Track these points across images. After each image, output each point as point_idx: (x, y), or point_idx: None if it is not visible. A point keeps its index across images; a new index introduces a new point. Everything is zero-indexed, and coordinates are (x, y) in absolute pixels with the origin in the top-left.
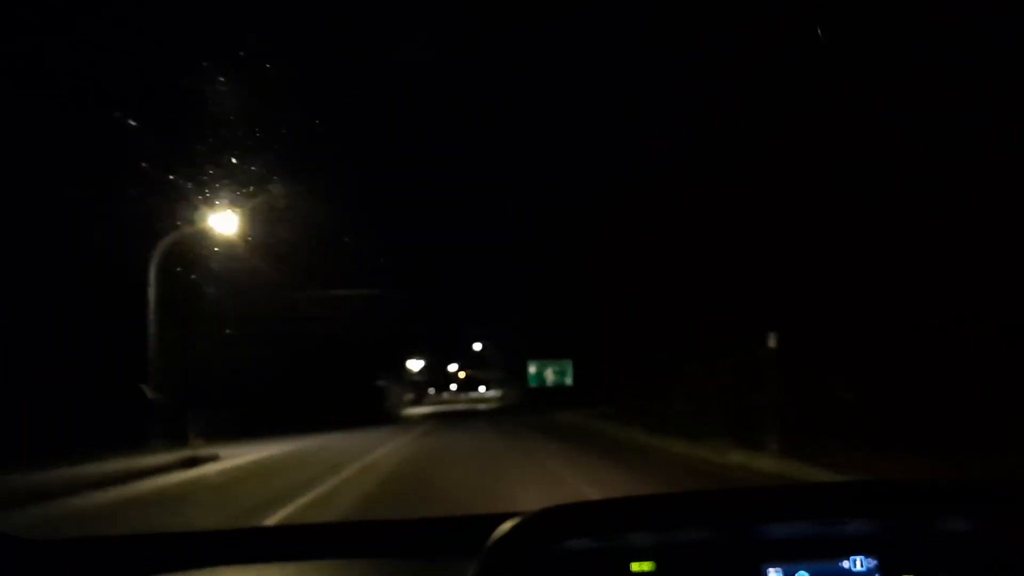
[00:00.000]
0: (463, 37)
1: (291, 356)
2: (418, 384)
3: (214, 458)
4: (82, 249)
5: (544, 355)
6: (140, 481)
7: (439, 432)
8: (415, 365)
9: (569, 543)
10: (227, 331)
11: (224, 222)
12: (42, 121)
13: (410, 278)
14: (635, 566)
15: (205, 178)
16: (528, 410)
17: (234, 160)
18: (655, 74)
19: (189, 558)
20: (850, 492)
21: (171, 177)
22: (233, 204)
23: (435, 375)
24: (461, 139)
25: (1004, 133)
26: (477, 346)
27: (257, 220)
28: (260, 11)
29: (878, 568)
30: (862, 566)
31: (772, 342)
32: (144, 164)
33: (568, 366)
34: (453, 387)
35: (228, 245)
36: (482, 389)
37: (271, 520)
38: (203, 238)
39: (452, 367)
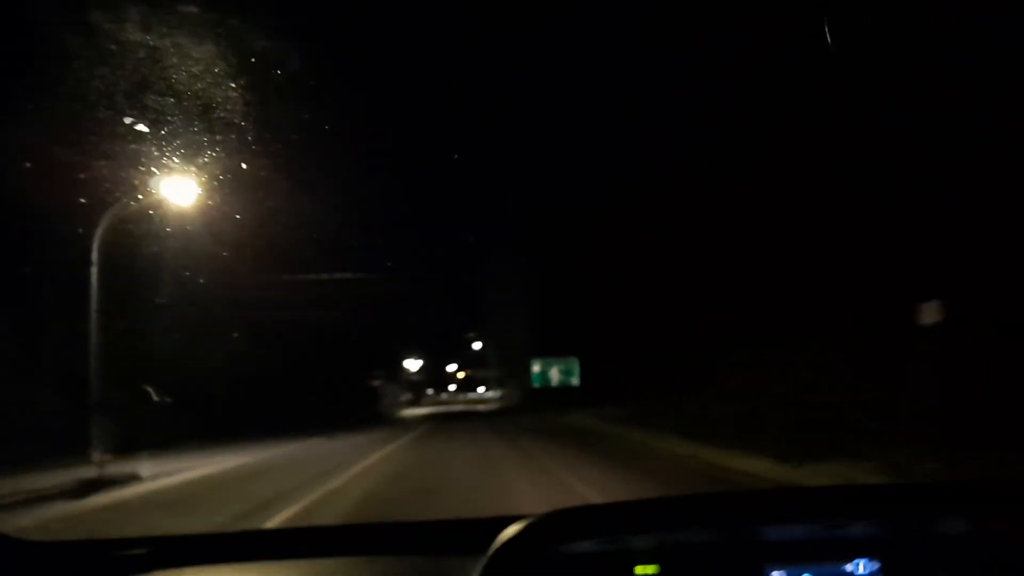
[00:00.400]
0: (466, 34)
1: (271, 351)
2: (416, 384)
3: (129, 480)
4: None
5: (547, 354)
6: None
7: (436, 437)
8: (413, 365)
9: (573, 546)
10: (190, 322)
11: (183, 192)
12: None
13: (408, 270)
14: (639, 569)
15: (164, 139)
16: (532, 412)
17: (199, 119)
18: (670, 66)
19: (189, 557)
20: (853, 495)
21: (120, 136)
22: (199, 172)
23: (433, 375)
24: (465, 130)
25: None
26: (476, 345)
27: (229, 192)
28: None
29: (881, 571)
30: (865, 569)
31: (932, 315)
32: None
33: (574, 365)
34: (452, 387)
35: (191, 221)
36: (481, 390)
37: None
38: (160, 212)
39: (451, 367)
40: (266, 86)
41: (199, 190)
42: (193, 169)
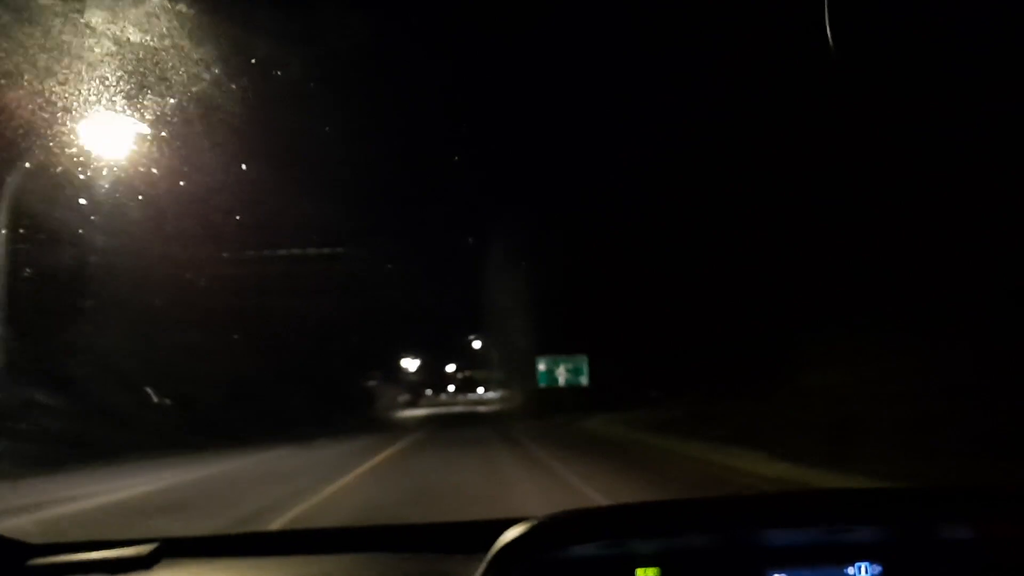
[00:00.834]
0: (469, 29)
1: (246, 347)
2: (414, 385)
3: None
4: None
5: (552, 352)
6: None
7: (432, 447)
8: (411, 365)
9: (574, 549)
10: (138, 309)
11: (116, 141)
12: None
13: (405, 265)
14: (640, 572)
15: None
16: (539, 415)
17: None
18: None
19: (192, 554)
20: (854, 499)
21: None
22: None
23: (432, 375)
24: (465, 117)
25: None
26: (476, 344)
27: (192, 150)
28: None
29: (882, 574)
30: (866, 573)
31: None
32: None
33: (583, 363)
34: (451, 388)
35: (139, 183)
36: (480, 390)
37: None
38: (94, 171)
39: (450, 367)
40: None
41: (138, 140)
42: (141, 116)
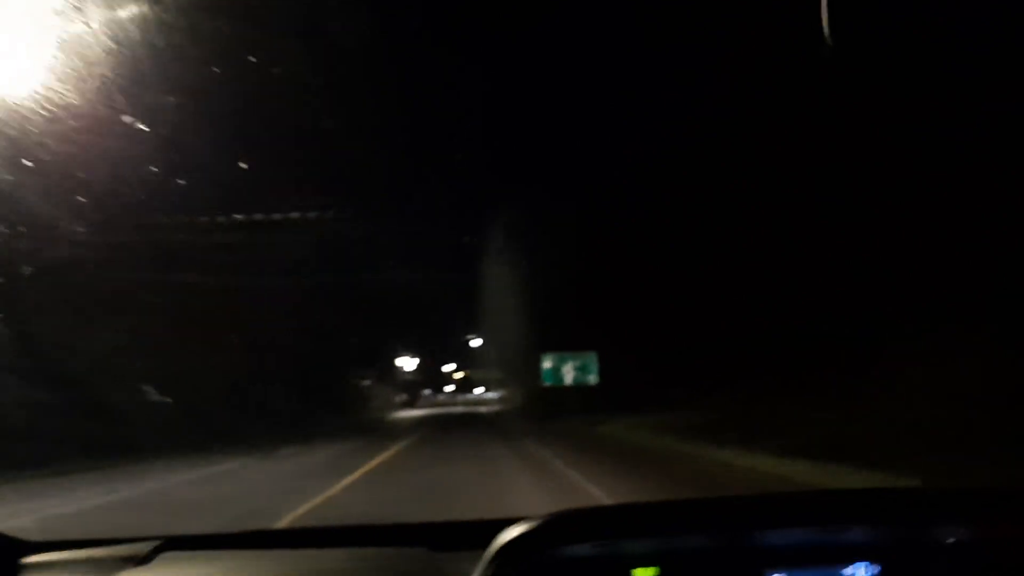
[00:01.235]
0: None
1: (207, 335)
2: (411, 384)
3: None
4: None
5: (556, 349)
6: None
7: (428, 457)
8: (409, 364)
9: (572, 549)
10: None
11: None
12: None
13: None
14: (638, 572)
15: None
16: (543, 416)
17: None
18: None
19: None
20: (852, 499)
21: None
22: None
23: (430, 375)
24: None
25: None
26: (476, 343)
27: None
28: None
29: (880, 575)
30: (864, 573)
31: None
32: None
33: (592, 360)
34: (449, 388)
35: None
36: (479, 390)
37: None
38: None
39: (448, 367)
40: None
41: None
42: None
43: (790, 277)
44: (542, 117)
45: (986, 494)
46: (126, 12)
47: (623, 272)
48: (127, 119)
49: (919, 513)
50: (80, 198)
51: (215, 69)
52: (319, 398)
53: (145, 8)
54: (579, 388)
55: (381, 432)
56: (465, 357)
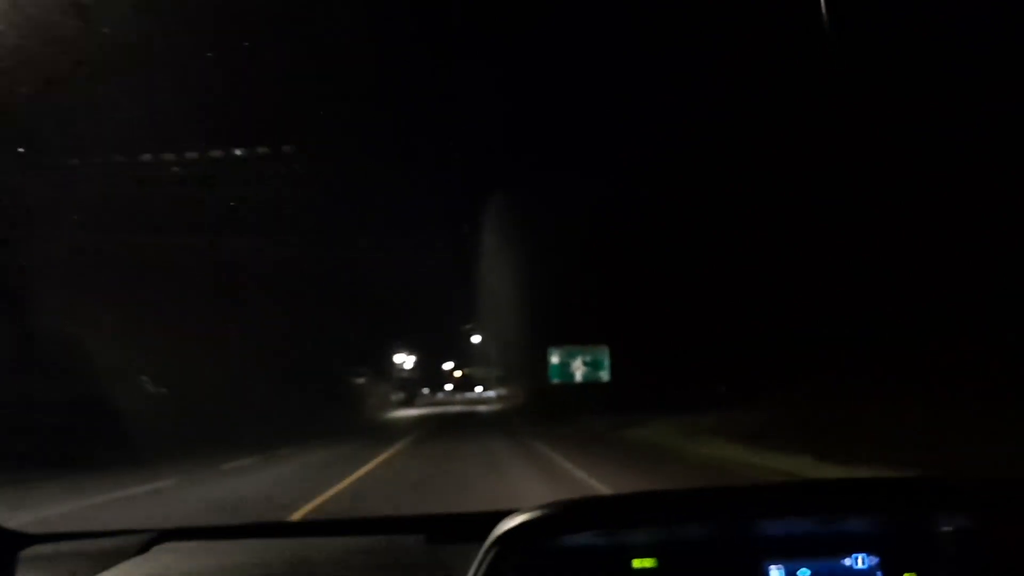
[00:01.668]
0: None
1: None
2: (408, 382)
3: None
4: None
5: (563, 343)
6: None
7: (424, 470)
8: (407, 362)
9: (571, 538)
10: None
11: None
12: None
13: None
14: (637, 563)
15: None
16: (549, 416)
17: None
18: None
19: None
20: (852, 490)
21: None
22: None
23: (429, 373)
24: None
25: None
26: (476, 339)
27: None
28: None
29: (879, 566)
30: (864, 564)
31: None
32: None
33: (604, 355)
34: (448, 387)
35: None
36: (479, 389)
37: None
38: None
39: (447, 365)
40: None
41: None
42: None
43: (845, 264)
44: (551, 97)
45: (983, 484)
46: None
47: (637, 258)
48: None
49: (917, 503)
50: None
51: None
52: (306, 396)
53: None
54: (590, 386)
55: (377, 434)
56: (464, 354)
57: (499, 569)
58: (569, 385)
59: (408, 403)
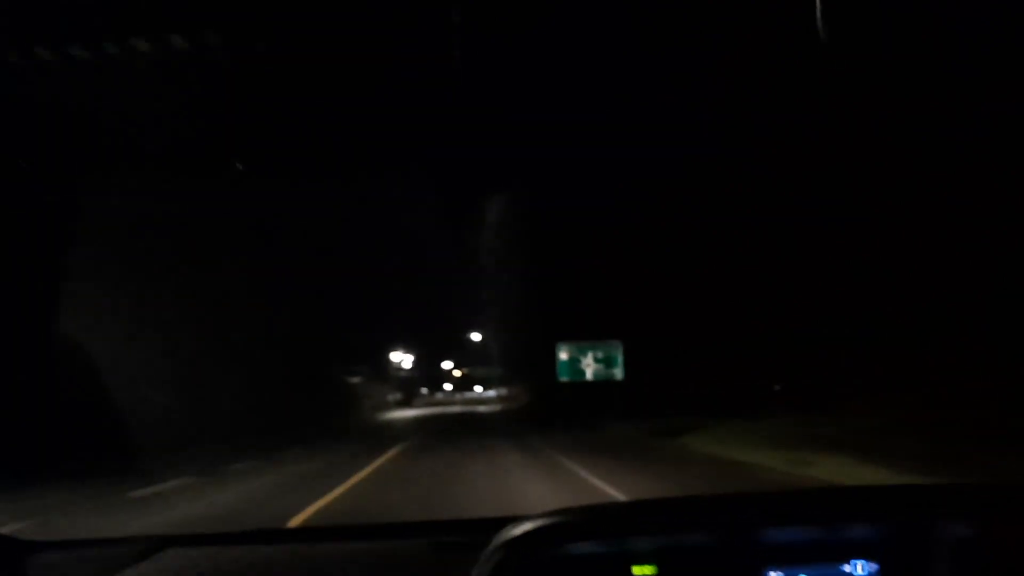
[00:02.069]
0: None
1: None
2: (407, 382)
3: None
4: None
5: (570, 339)
6: None
7: (413, 500)
8: (405, 361)
9: (572, 546)
10: None
11: None
12: None
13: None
14: (637, 570)
15: None
16: (563, 420)
17: None
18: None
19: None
20: (851, 497)
21: None
22: None
23: (427, 372)
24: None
25: None
26: (476, 336)
27: None
28: None
29: (879, 573)
30: (863, 571)
31: None
32: None
33: (617, 351)
34: (448, 387)
35: None
36: (479, 389)
37: None
38: None
39: (447, 364)
40: None
41: None
42: None
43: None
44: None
45: (983, 491)
46: None
47: (653, 244)
48: None
49: (917, 510)
50: None
51: None
52: (295, 396)
53: None
54: (603, 384)
55: (373, 437)
56: (464, 353)
57: None
58: (579, 384)
59: (406, 403)
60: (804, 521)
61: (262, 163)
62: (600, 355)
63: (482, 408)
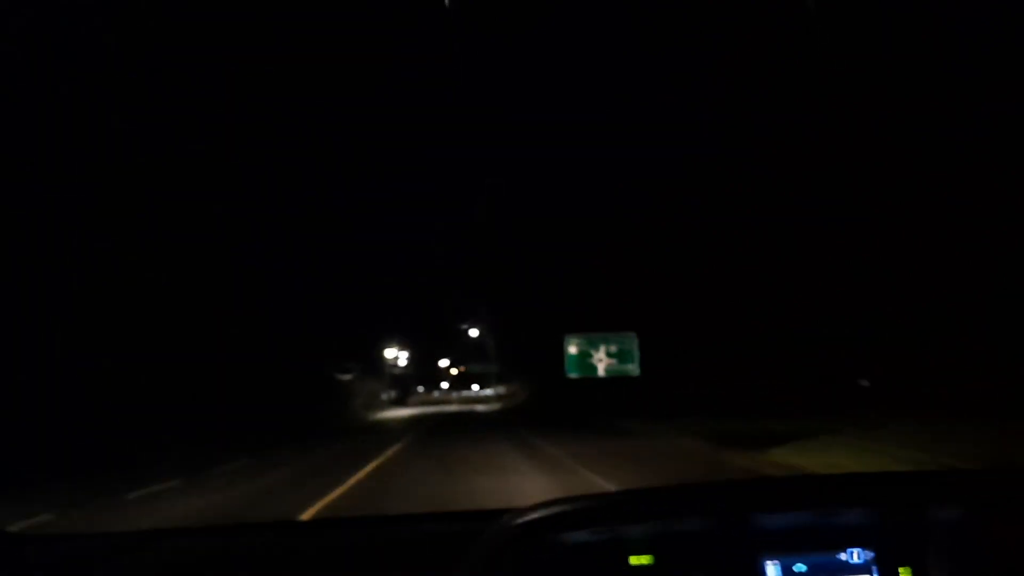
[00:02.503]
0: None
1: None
2: (402, 380)
3: None
4: None
5: (579, 332)
6: None
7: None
8: (400, 359)
9: (568, 535)
10: None
11: None
12: None
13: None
14: (634, 559)
15: None
16: (574, 422)
17: None
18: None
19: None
20: (847, 483)
21: None
22: None
23: (424, 370)
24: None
25: None
26: (473, 332)
27: None
28: None
29: (875, 560)
30: (859, 558)
31: None
32: None
33: (632, 344)
34: (444, 385)
35: None
36: (476, 387)
37: None
38: None
39: (443, 362)
40: None
41: None
42: None
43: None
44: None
45: (978, 477)
46: None
47: (672, 228)
48: None
49: (913, 497)
50: None
51: None
52: (279, 394)
53: None
54: (616, 381)
55: (361, 438)
56: (461, 350)
57: (496, 566)
58: (591, 380)
59: (401, 402)
60: (800, 508)
61: (260, 159)
62: (613, 348)
63: (480, 407)
